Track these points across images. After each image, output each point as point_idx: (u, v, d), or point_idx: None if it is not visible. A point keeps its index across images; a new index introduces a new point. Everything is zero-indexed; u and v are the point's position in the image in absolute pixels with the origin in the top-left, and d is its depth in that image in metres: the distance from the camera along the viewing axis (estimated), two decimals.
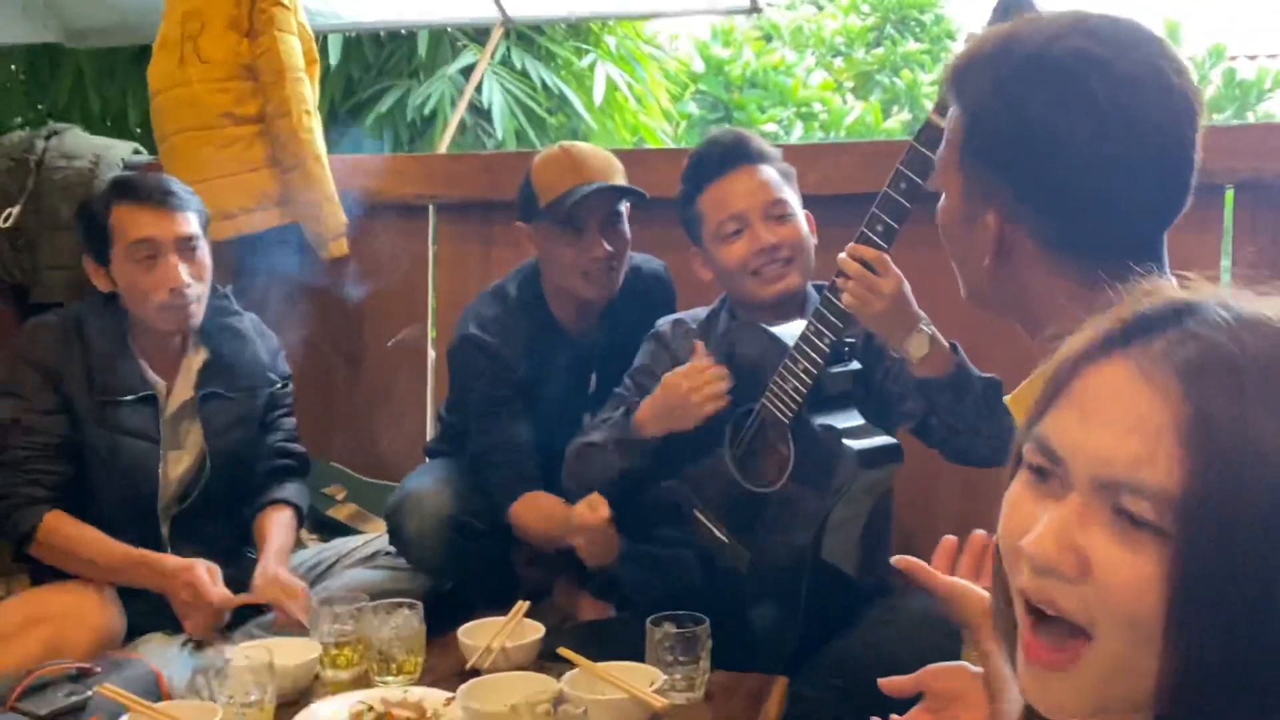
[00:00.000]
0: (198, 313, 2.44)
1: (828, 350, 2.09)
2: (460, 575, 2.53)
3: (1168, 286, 0.84)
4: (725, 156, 2.32)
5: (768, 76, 9.86)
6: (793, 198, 2.33)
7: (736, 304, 2.38)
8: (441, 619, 2.17)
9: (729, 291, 2.38)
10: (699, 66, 9.82)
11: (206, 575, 2.30)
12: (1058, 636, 0.81)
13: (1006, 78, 1.25)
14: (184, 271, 2.38)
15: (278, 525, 2.52)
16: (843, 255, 2.03)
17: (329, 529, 3.09)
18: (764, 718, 1.88)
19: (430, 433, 3.24)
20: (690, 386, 2.21)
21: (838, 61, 10.79)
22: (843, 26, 10.92)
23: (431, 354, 3.38)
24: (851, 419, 2.17)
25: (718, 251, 2.30)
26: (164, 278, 2.36)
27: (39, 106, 4.34)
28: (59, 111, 4.59)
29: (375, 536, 2.84)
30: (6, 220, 3.29)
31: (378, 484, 3.23)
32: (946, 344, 2.07)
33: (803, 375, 2.10)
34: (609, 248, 2.45)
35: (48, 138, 3.40)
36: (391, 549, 2.73)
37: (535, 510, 2.44)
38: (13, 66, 4.74)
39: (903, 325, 2.03)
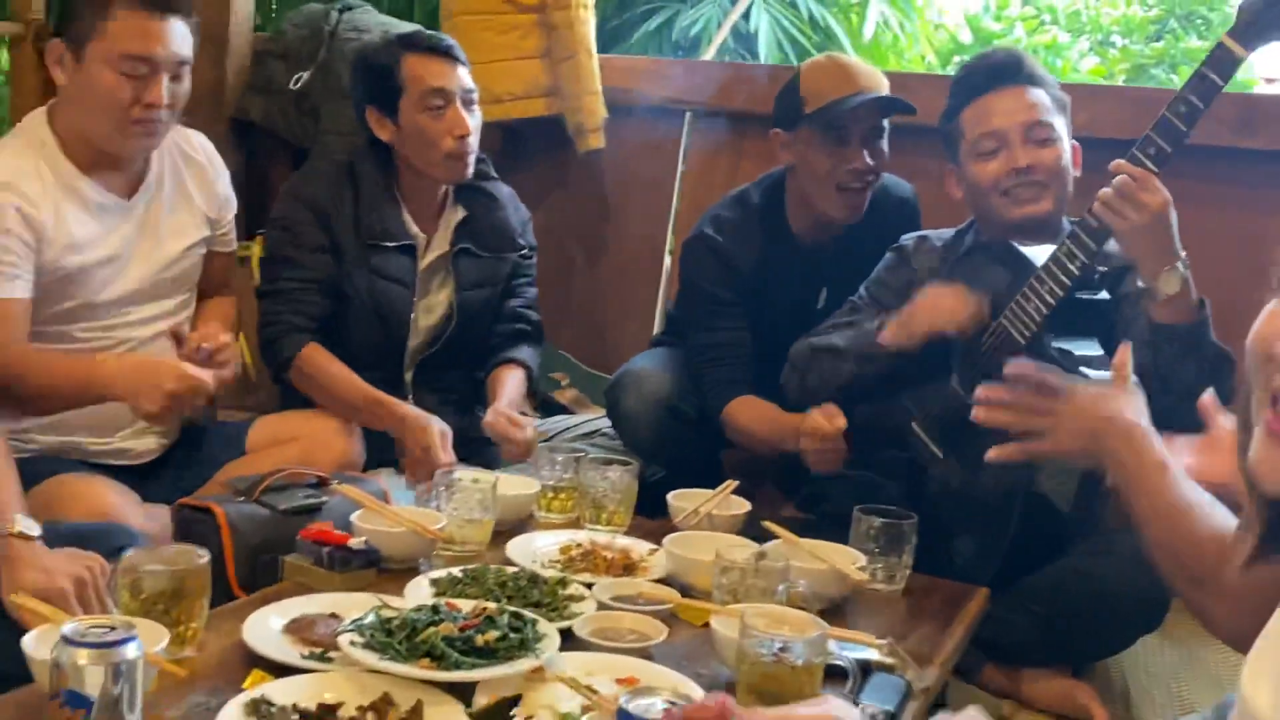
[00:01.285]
0: (472, 165, 2.57)
1: (1077, 274, 2.04)
2: (668, 460, 2.59)
3: None
4: (995, 72, 2.28)
5: (1036, 55, 9.51)
6: (1059, 124, 2.26)
7: (984, 226, 2.35)
8: (643, 509, 2.21)
9: (977, 212, 2.34)
10: (966, 38, 9.57)
11: (439, 439, 2.41)
12: None
13: None
14: (470, 121, 2.52)
15: (510, 380, 2.64)
16: (1117, 161, 1.98)
17: (551, 409, 3.21)
18: (961, 621, 1.87)
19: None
20: (956, 312, 2.18)
21: (1113, 50, 10.33)
22: (1123, 16, 10.44)
23: (667, 260, 3.45)
24: (1090, 348, 2.12)
25: (972, 167, 2.26)
26: (452, 125, 2.50)
27: None
28: None
29: (594, 417, 2.95)
30: (296, 84, 3.53)
31: (600, 375, 3.33)
32: (1195, 295, 2.00)
33: (1046, 297, 2.06)
34: (869, 161, 2.45)
35: (341, 11, 3.62)
36: (608, 431, 2.83)
37: (754, 413, 2.48)
38: None
39: (1160, 254, 1.97)
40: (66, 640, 1.16)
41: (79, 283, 2.21)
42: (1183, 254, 1.97)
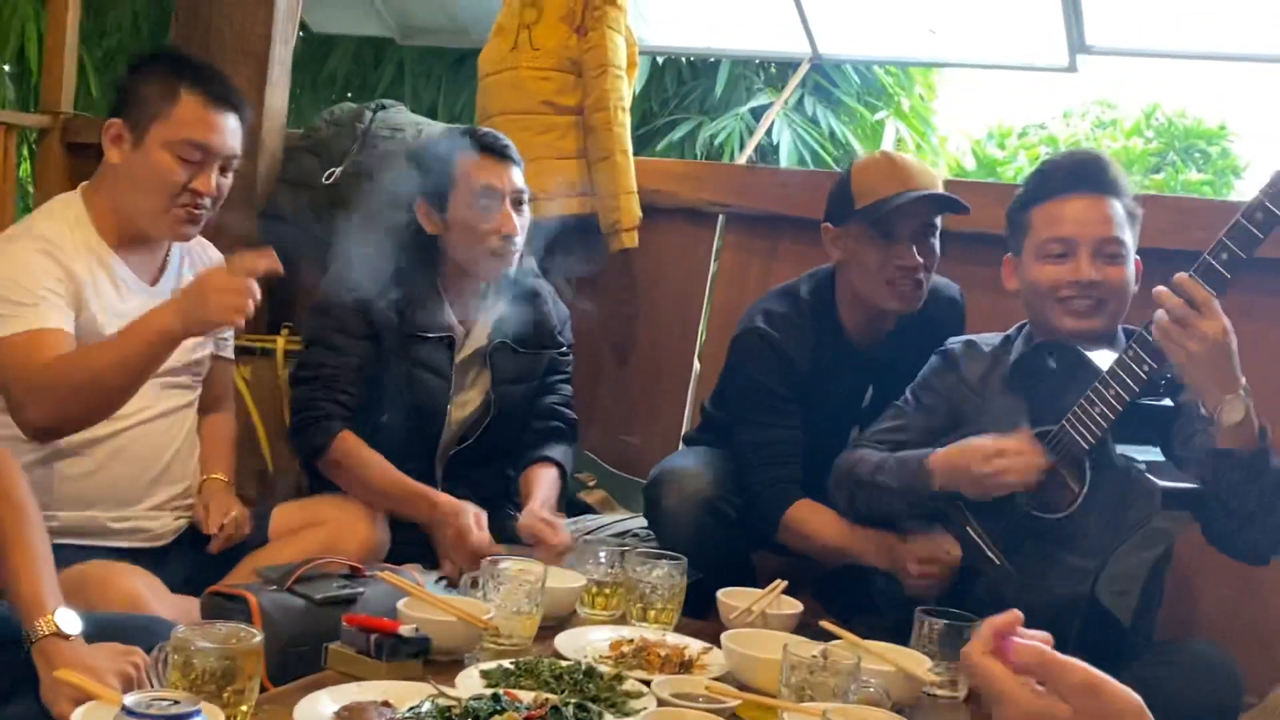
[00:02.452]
0: (515, 264, 2.56)
1: (1145, 378, 1.99)
2: (705, 560, 2.50)
3: None
4: (1076, 174, 2.22)
5: None
6: (1129, 239, 2.21)
7: (1036, 326, 2.32)
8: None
9: (1030, 310, 2.30)
10: (970, 164, 9.72)
11: (474, 520, 2.37)
12: None
13: None
14: (516, 222, 2.51)
15: (545, 479, 2.59)
16: (1161, 288, 1.94)
17: (577, 510, 3.14)
18: None
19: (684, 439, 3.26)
20: (999, 466, 2.11)
21: None
22: (1123, 148, 10.65)
23: (697, 365, 3.42)
24: (1154, 455, 2.07)
25: (1034, 266, 2.22)
26: (499, 224, 2.50)
27: (348, 95, 4.68)
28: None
29: (625, 518, 2.88)
30: (329, 179, 3.52)
31: (627, 478, 3.27)
32: (1258, 422, 1.96)
33: (1113, 401, 2.01)
34: (919, 259, 2.43)
35: (375, 110, 3.63)
36: (638, 532, 2.76)
37: (823, 520, 2.41)
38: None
39: (1221, 382, 1.92)
40: (129, 713, 1.08)
41: None
42: (1243, 380, 1.93)
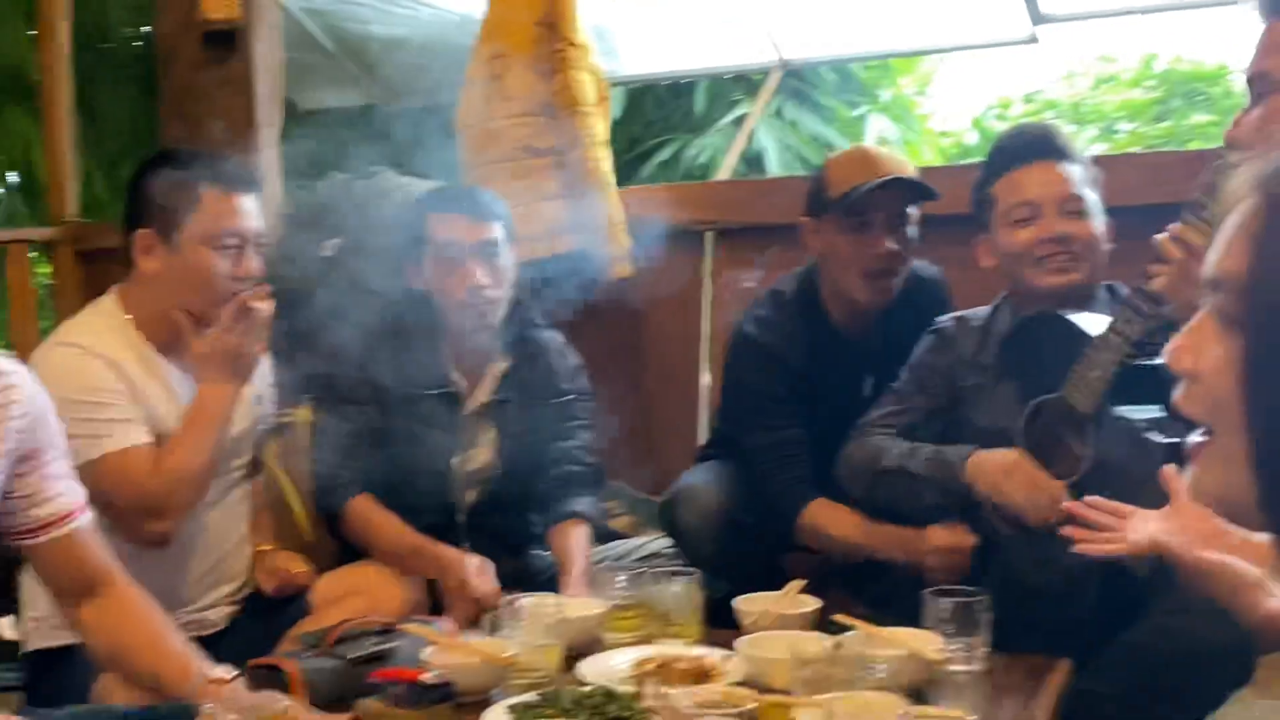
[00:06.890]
0: (493, 314, 2.59)
1: (1137, 340, 2.03)
2: (730, 572, 2.54)
3: None
4: (1029, 147, 2.31)
5: None
6: (1092, 198, 2.28)
7: (1016, 297, 2.36)
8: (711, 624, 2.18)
9: (1010, 280, 2.35)
10: (973, 139, 9.71)
11: (474, 570, 2.41)
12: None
13: None
14: (481, 274, 2.55)
15: (578, 547, 2.57)
16: (1162, 236, 1.93)
17: (605, 537, 3.19)
18: (1046, 694, 1.82)
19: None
20: (1036, 502, 2.16)
21: (1121, 135, 10.45)
22: (1125, 101, 10.56)
23: (705, 378, 3.47)
24: (1155, 412, 2.10)
25: (1005, 236, 2.28)
26: (463, 278, 2.54)
27: (350, 162, 4.76)
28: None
29: (652, 539, 2.94)
30: (326, 252, 3.61)
31: (650, 499, 3.32)
32: None
33: (1108, 365, 2.05)
34: (892, 247, 2.47)
35: (365, 178, 3.73)
36: (665, 553, 2.81)
37: (838, 518, 2.46)
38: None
39: None
40: None
41: None
42: None
